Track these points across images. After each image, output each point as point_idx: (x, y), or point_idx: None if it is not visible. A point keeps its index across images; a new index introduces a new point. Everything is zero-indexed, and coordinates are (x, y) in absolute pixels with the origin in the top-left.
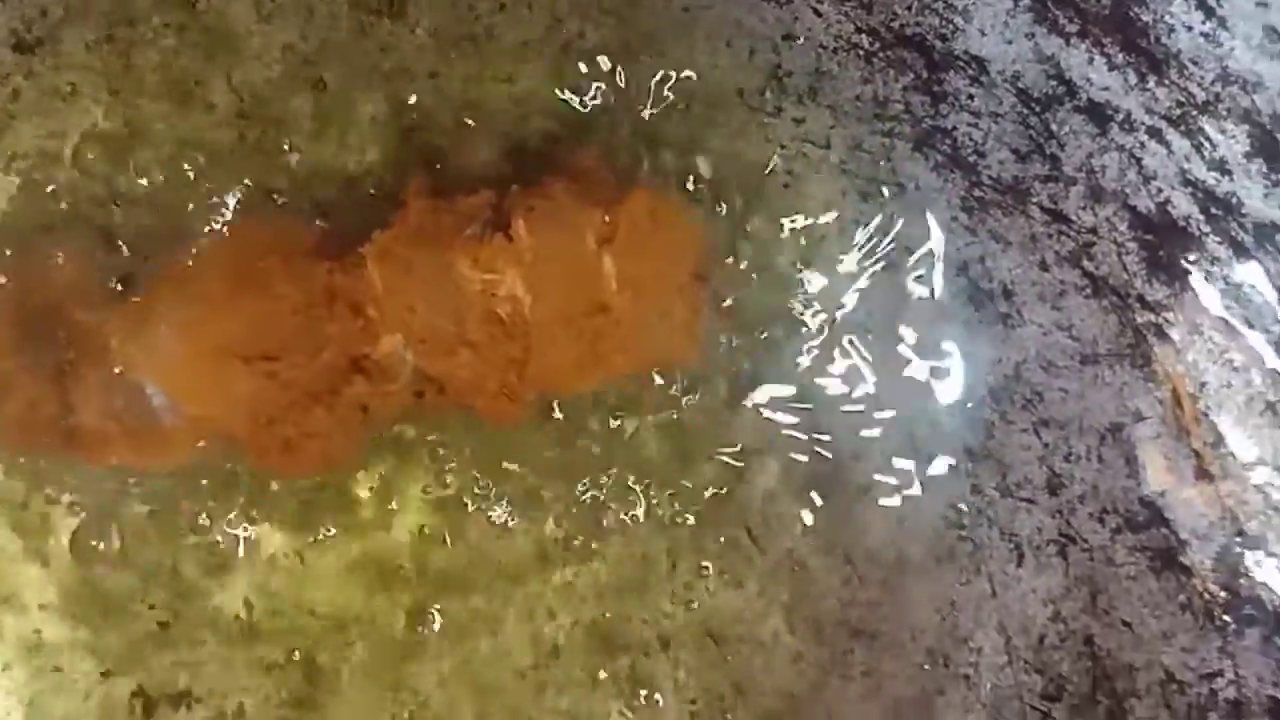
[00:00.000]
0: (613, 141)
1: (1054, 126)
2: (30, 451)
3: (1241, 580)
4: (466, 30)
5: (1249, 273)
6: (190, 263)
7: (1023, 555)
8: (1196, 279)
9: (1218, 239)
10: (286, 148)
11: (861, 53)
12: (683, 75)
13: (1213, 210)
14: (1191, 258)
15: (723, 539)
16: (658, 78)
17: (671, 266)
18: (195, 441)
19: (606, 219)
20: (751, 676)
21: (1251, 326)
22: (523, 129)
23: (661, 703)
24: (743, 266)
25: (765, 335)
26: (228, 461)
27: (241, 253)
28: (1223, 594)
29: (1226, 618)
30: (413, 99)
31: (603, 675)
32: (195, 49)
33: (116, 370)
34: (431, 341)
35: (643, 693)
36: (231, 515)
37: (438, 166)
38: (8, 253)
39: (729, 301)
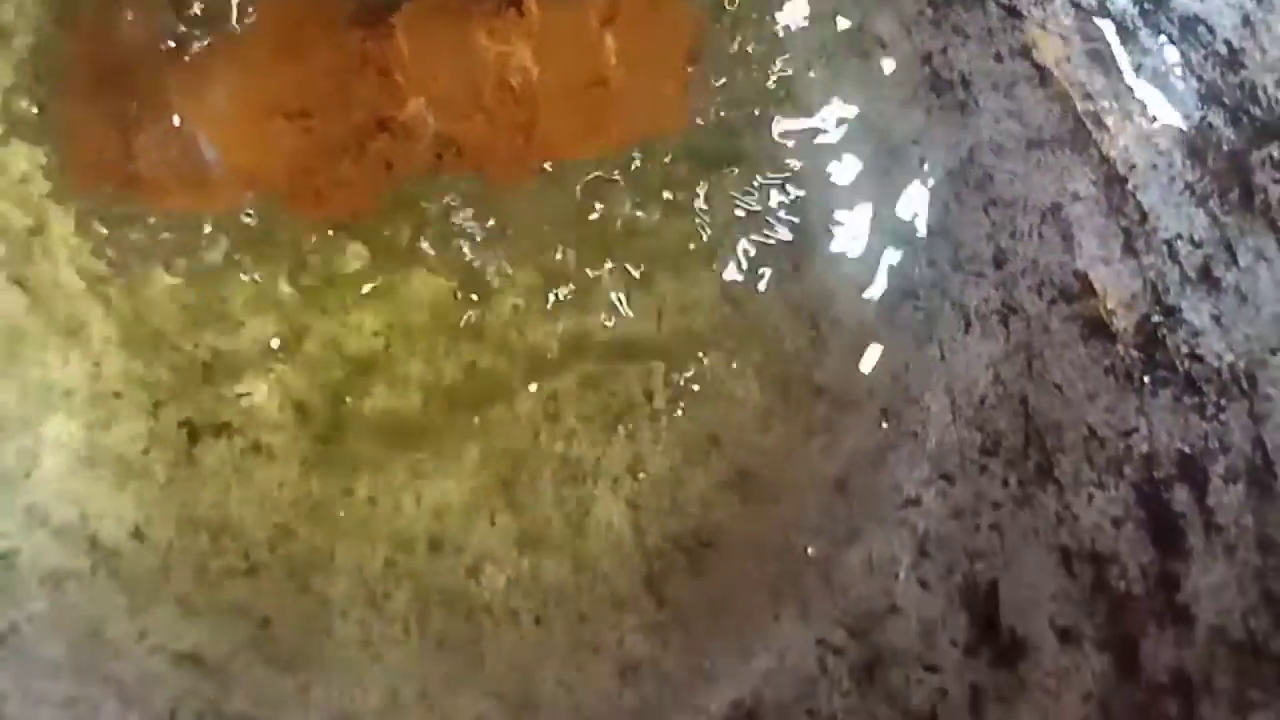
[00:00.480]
0: None
1: None
2: (95, 192)
3: (1158, 347)
4: None
5: (1174, 60)
6: (241, 28)
7: (969, 324)
8: (1127, 68)
9: (1149, 31)
10: None
11: None
12: None
13: (1145, 5)
14: (1127, 49)
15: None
16: None
17: (666, 47)
18: (240, 189)
19: (608, 1)
20: (727, 430)
21: (1176, 112)
22: None
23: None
24: (731, 50)
25: (754, 113)
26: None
27: (286, 20)
28: (1141, 358)
29: (1144, 379)
30: None
31: (595, 418)
32: None
33: (175, 122)
34: (450, 105)
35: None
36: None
37: None
38: (87, 8)
39: (720, 81)
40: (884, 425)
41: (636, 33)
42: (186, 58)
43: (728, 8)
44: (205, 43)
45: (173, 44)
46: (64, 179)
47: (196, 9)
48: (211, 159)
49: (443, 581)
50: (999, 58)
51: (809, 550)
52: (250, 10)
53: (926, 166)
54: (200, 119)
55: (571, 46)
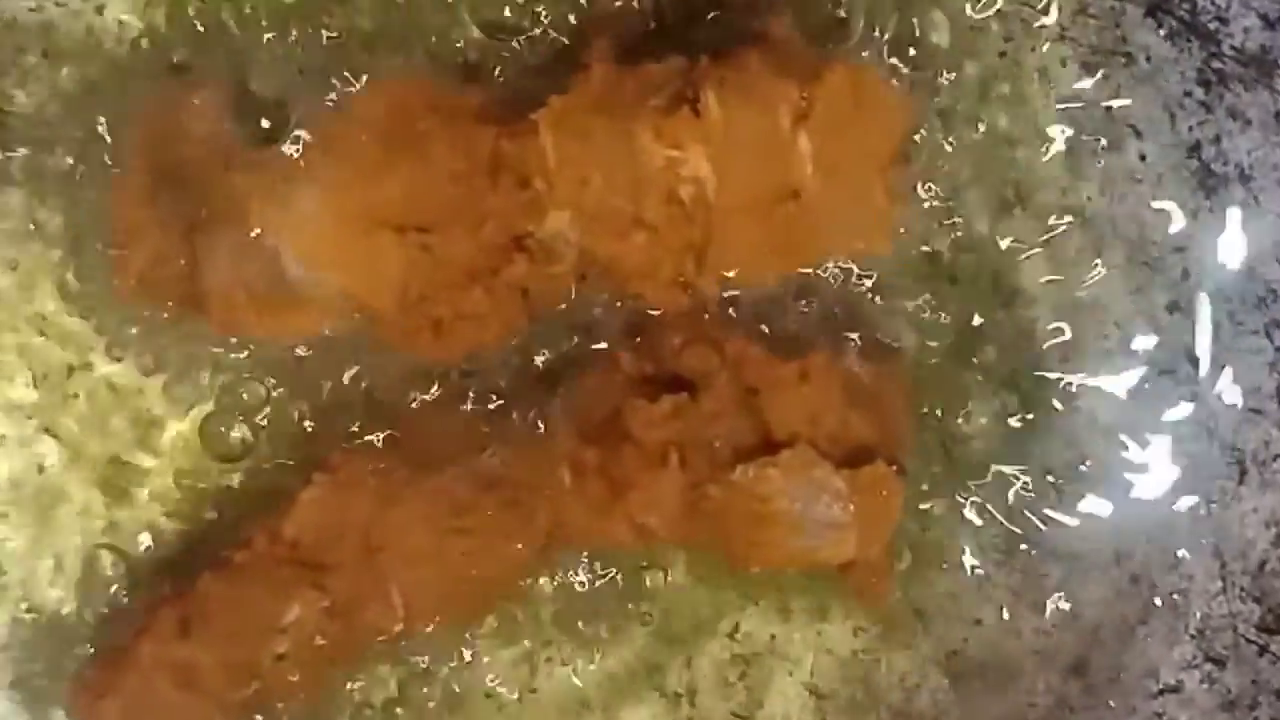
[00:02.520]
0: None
1: None
2: (150, 306)
3: None
4: None
5: None
6: (342, 120)
7: (1245, 472)
8: None
9: None
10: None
11: None
12: None
13: None
14: None
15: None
16: None
17: (871, 148)
18: (330, 316)
19: (803, 95)
20: (933, 599)
21: None
22: None
23: None
24: (948, 148)
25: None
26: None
27: (399, 112)
28: None
29: None
30: None
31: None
32: None
33: (252, 233)
34: (604, 220)
35: None
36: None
37: (622, 28)
38: (142, 92)
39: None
40: (1134, 594)
41: (836, 132)
42: (270, 154)
43: (943, 94)
44: (296, 137)
45: (256, 137)
46: (114, 293)
47: (284, 93)
48: (296, 277)
49: None
50: None
51: None
52: (352, 100)
53: (1192, 279)
54: (285, 229)
55: (757, 151)
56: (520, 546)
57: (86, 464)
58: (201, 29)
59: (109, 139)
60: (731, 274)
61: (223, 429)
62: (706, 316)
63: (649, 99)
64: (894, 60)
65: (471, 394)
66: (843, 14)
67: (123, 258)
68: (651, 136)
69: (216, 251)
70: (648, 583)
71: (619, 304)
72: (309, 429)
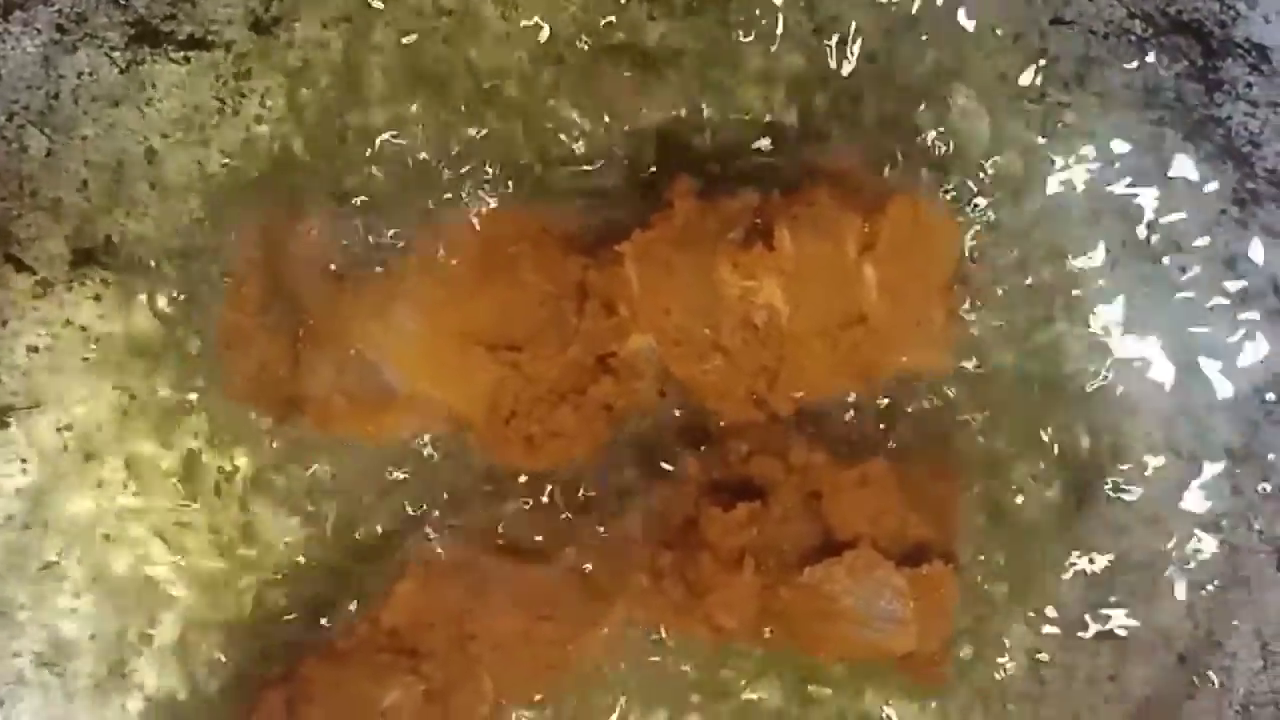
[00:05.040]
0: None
1: None
2: (252, 407)
3: None
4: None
5: None
6: (439, 244)
7: None
8: None
9: None
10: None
11: (1134, 38)
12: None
13: None
14: None
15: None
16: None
17: (930, 271)
18: (424, 424)
19: (867, 226)
20: (986, 677)
21: None
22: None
23: None
24: (1000, 264)
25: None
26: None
27: (494, 237)
28: None
29: None
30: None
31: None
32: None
33: (352, 348)
34: (684, 344)
35: None
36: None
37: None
38: (254, 216)
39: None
40: (1181, 675)
41: (898, 259)
42: (373, 274)
43: (994, 217)
44: (396, 257)
45: (360, 258)
46: (221, 392)
47: (386, 218)
48: (393, 388)
49: None
50: None
51: None
52: (452, 221)
53: (1231, 381)
54: (385, 344)
55: (827, 281)
56: (603, 635)
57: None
58: (308, 158)
59: (222, 258)
60: (801, 393)
61: (325, 523)
62: (772, 425)
63: (726, 233)
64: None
65: (556, 497)
66: (901, 150)
67: (232, 360)
68: (729, 269)
69: (318, 359)
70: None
71: (692, 415)
72: (405, 526)
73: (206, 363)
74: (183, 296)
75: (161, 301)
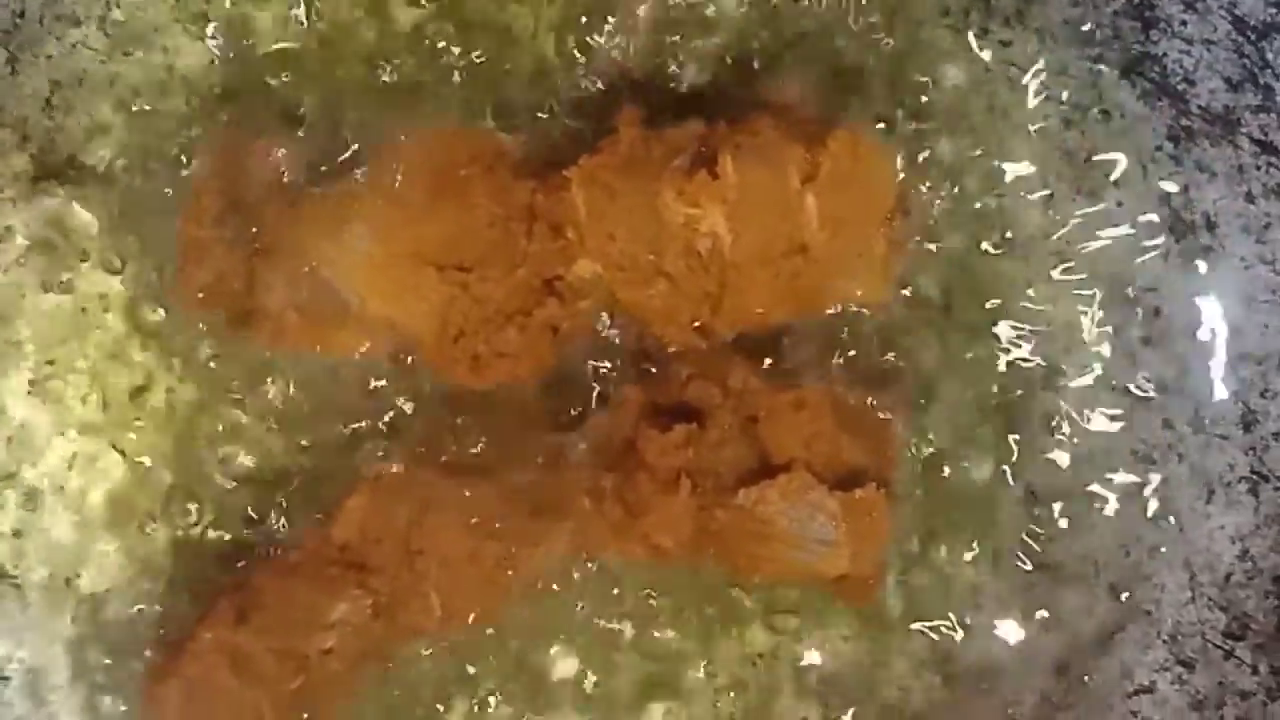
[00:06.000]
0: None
1: (1269, 55)
2: (206, 317)
3: None
4: None
5: None
6: (392, 165)
7: (1213, 492)
8: None
9: None
10: (506, 68)
11: None
12: None
13: None
14: None
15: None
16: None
17: (871, 204)
18: (373, 343)
19: (809, 156)
20: (929, 605)
21: None
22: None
23: None
24: (940, 199)
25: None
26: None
27: (444, 161)
28: None
29: None
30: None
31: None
32: None
33: (306, 265)
34: (629, 269)
35: None
36: None
37: (648, 95)
38: (212, 131)
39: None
40: (1112, 603)
41: (840, 190)
42: (326, 193)
43: (934, 154)
44: (350, 179)
45: (312, 178)
46: (175, 301)
47: (341, 139)
48: (345, 305)
49: None
50: (1250, 197)
51: None
52: (402, 147)
53: (1163, 317)
54: (337, 262)
55: (769, 210)
56: (546, 553)
57: (152, 474)
58: (269, 81)
59: (180, 171)
60: (743, 319)
61: (274, 440)
62: (712, 352)
63: (671, 161)
64: (890, 117)
65: (503, 418)
66: (846, 79)
67: (187, 273)
68: (673, 195)
69: (273, 275)
70: None
71: (635, 341)
72: (354, 441)
73: (163, 278)
74: (141, 213)
75: (121, 217)
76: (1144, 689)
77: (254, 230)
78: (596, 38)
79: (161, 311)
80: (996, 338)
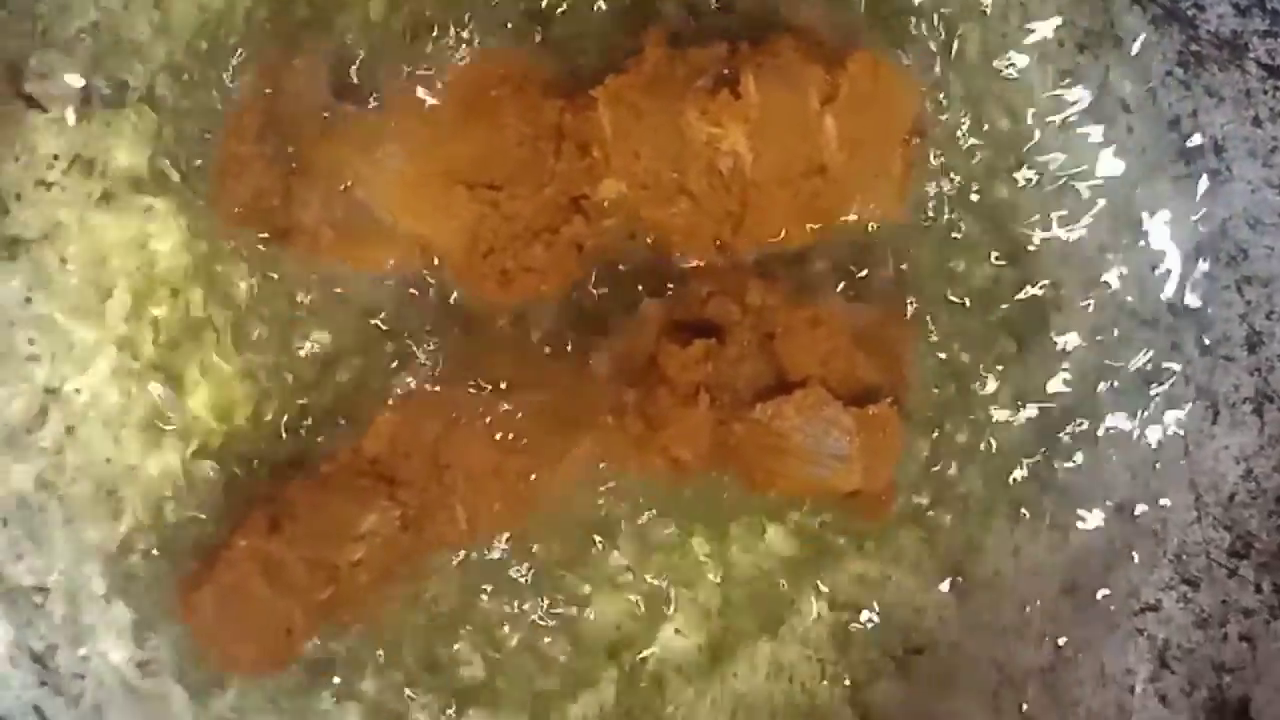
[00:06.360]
0: None
1: None
2: (244, 233)
3: None
4: None
5: None
6: (425, 87)
7: (1218, 413)
8: None
9: None
10: None
11: None
12: None
13: None
14: None
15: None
16: None
17: (890, 125)
18: (405, 259)
19: (829, 77)
20: (944, 526)
21: None
22: None
23: None
24: (959, 121)
25: (981, 185)
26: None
27: (475, 82)
28: None
29: None
30: None
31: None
32: None
33: (341, 183)
34: (653, 188)
35: None
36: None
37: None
38: (254, 52)
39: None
40: (1119, 524)
41: (858, 112)
42: (362, 114)
43: (950, 75)
44: (385, 99)
45: (348, 99)
46: (215, 216)
47: (377, 61)
48: (379, 219)
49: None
50: (1257, 121)
51: (1033, 659)
52: (437, 65)
53: (1172, 240)
54: (372, 180)
55: (789, 130)
56: (569, 467)
57: (187, 389)
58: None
59: (225, 89)
60: (763, 238)
61: (310, 353)
62: (732, 270)
63: (694, 81)
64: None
65: (530, 335)
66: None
67: (226, 187)
68: (696, 115)
69: (309, 192)
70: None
71: (658, 257)
72: (386, 359)
73: (205, 196)
74: (186, 130)
75: (168, 135)
76: (1150, 607)
77: (291, 149)
78: None
79: (203, 229)
80: (1008, 259)
